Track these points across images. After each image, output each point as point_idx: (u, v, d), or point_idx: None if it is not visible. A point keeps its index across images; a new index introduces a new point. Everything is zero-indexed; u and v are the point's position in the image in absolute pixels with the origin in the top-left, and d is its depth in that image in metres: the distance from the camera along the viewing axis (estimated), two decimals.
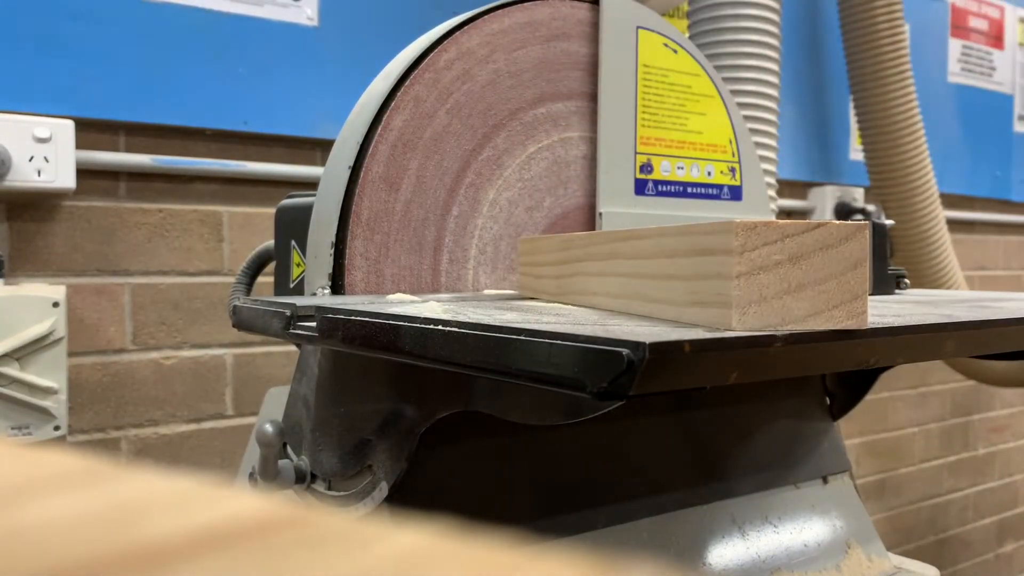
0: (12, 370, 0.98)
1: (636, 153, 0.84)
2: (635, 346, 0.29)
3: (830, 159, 1.92)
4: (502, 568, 0.10)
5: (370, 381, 0.61)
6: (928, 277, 1.74)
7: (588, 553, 0.63)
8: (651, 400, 0.69)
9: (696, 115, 0.88)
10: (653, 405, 0.71)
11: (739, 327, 0.34)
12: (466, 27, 0.73)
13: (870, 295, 0.37)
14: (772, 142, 1.29)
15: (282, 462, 0.64)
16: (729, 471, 0.73)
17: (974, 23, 2.23)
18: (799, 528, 0.74)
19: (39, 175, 1.04)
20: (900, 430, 2.23)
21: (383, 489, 0.58)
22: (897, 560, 0.77)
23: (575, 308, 0.52)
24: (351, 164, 0.67)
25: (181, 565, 0.09)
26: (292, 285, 0.79)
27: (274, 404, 0.77)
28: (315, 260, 0.69)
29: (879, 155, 1.69)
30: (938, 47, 2.16)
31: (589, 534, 0.63)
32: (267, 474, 0.62)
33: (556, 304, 0.55)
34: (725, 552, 0.68)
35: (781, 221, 0.35)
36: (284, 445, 0.67)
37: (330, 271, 0.67)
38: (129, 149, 1.17)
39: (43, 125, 1.05)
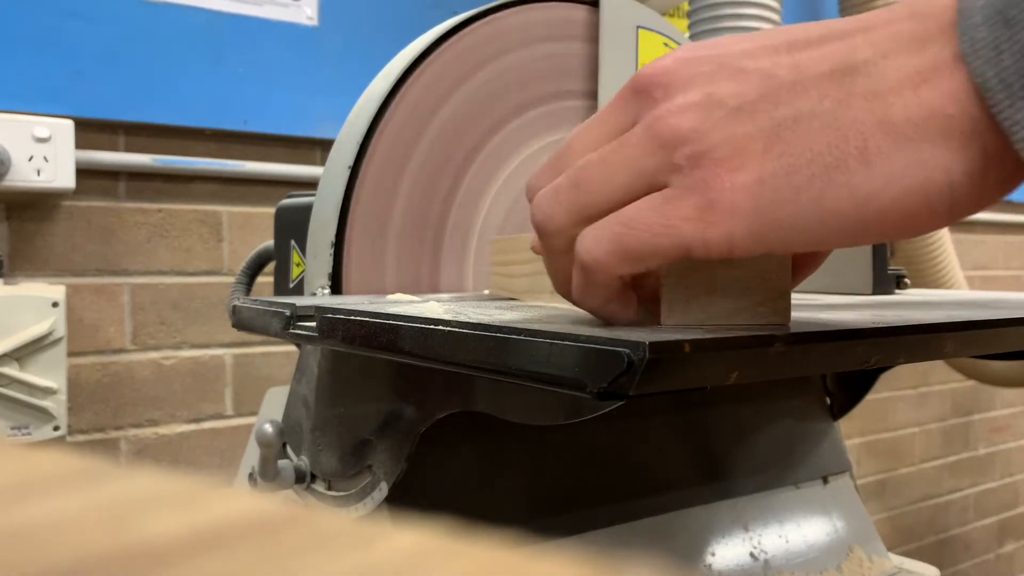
0: (12, 370, 0.98)
1: None
2: (635, 346, 0.29)
3: None
4: (502, 568, 0.10)
5: (370, 381, 0.61)
6: (928, 277, 1.74)
7: (588, 553, 0.63)
8: (651, 400, 0.69)
9: None
10: (653, 405, 0.71)
11: (668, 323, 0.36)
12: (466, 27, 0.73)
13: (871, 295, 0.37)
14: None
15: (282, 462, 0.64)
16: (729, 471, 0.73)
17: None
18: (799, 528, 0.74)
19: (39, 175, 1.04)
20: (900, 430, 2.23)
21: (383, 489, 0.58)
22: (898, 560, 0.77)
23: (575, 308, 0.51)
24: (351, 164, 0.67)
25: (181, 565, 0.09)
26: (292, 285, 0.79)
27: (274, 404, 0.77)
28: (315, 260, 0.69)
29: None
30: None
31: (589, 534, 0.63)
32: (267, 474, 0.62)
33: (556, 304, 0.55)
34: (725, 552, 0.68)
35: None
36: (284, 445, 0.67)
37: (330, 271, 0.67)
38: (129, 149, 1.17)
39: (43, 125, 1.05)
